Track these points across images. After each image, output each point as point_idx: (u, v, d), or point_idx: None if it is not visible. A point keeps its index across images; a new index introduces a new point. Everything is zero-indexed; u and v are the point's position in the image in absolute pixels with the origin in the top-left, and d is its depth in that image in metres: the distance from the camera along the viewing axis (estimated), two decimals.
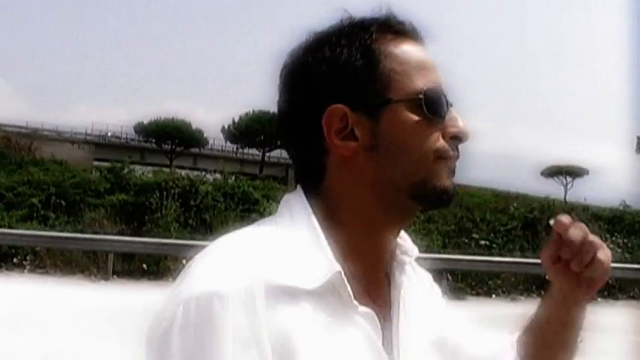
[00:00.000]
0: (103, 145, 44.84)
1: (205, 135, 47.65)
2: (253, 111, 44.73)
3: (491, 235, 17.62)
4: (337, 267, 1.00)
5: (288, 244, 1.01)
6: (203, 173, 19.91)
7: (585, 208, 21.74)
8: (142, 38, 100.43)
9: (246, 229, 1.06)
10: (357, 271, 1.05)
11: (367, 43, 1.08)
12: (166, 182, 15.95)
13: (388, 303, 1.11)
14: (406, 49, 1.09)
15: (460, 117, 1.10)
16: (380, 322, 1.06)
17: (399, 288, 1.13)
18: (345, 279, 1.01)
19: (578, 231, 1.10)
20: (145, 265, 13.71)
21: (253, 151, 48.42)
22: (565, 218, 1.10)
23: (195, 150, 47.13)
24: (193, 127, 46.46)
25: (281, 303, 0.96)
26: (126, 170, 17.59)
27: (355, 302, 1.02)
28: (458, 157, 1.09)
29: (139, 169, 19.35)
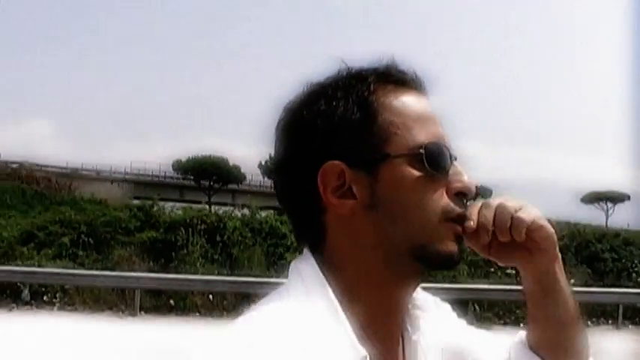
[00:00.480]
0: (141, 184, 45.44)
1: (243, 171, 47.93)
2: None
3: None
4: (363, 351, 0.93)
5: (306, 327, 0.93)
6: (231, 209, 20.07)
7: (617, 234, 21.38)
8: (177, 75, 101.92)
9: (260, 310, 0.97)
10: (375, 340, 0.99)
11: (364, 95, 1.02)
12: (194, 219, 16.20)
13: None
14: (406, 101, 1.03)
15: (464, 171, 1.03)
16: None
17: (414, 346, 1.07)
18: None
19: (486, 210, 1.04)
20: (172, 301, 13.87)
21: None
22: (472, 223, 1.03)
23: (233, 186, 47.36)
24: (231, 163, 46.80)
25: None
26: (155, 208, 17.85)
27: None
28: (464, 215, 1.02)
29: (168, 207, 19.61)
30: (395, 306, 1.04)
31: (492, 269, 16.34)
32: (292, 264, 1.05)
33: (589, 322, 14.66)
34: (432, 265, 1.02)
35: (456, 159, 1.03)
